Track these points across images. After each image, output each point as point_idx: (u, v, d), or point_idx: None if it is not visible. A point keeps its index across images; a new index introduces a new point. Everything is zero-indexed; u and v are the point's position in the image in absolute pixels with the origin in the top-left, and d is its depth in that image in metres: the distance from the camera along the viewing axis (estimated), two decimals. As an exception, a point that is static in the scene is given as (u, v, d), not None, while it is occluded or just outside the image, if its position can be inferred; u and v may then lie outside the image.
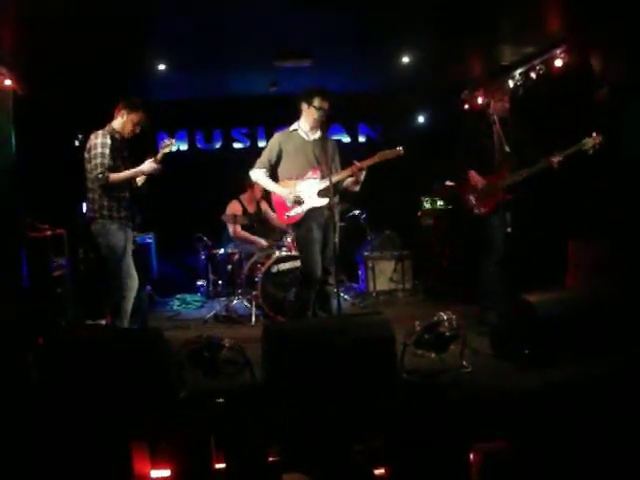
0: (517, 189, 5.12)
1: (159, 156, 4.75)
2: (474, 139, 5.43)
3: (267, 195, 6.41)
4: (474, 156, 5.34)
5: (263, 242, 7.17)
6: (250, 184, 7.09)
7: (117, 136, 4.78)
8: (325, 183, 4.70)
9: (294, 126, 4.98)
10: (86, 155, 4.72)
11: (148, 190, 5.04)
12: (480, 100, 5.34)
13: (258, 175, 5.01)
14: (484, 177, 5.25)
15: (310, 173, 4.86)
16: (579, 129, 5.17)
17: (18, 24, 5.12)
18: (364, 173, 4.79)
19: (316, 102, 4.80)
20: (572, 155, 4.95)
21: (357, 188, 4.95)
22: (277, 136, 5.04)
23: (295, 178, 4.89)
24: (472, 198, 5.34)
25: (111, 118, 4.83)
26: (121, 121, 4.80)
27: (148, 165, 4.71)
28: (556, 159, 4.92)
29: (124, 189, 4.77)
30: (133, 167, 4.77)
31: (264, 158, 5.00)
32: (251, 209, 7.45)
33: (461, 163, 5.48)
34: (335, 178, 4.78)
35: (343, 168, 4.95)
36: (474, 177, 5.30)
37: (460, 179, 5.51)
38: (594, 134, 4.89)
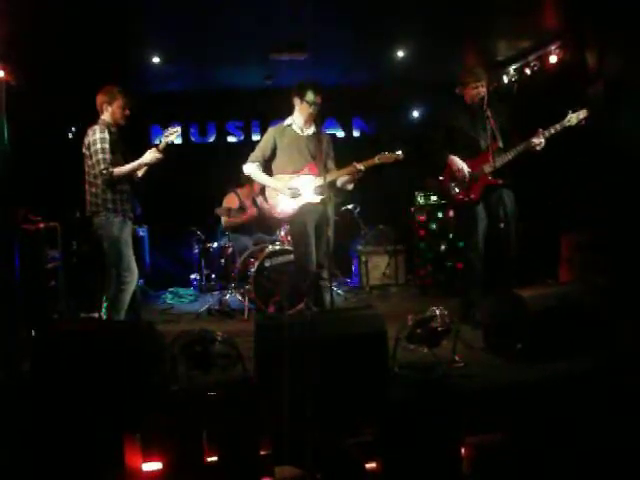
0: (504, 174, 4.94)
1: (162, 145, 4.74)
2: (455, 127, 5.19)
3: (262, 190, 6.41)
4: (456, 144, 5.16)
5: (252, 210, 7.21)
6: (250, 180, 7.09)
7: (113, 129, 4.77)
8: (320, 180, 4.68)
9: (288, 121, 4.97)
10: (86, 152, 4.71)
11: (145, 186, 5.03)
12: (474, 94, 5.32)
13: (251, 169, 5.00)
14: (467, 161, 5.05)
15: (306, 169, 4.86)
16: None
17: (10, 15, 5.09)
18: (362, 173, 4.76)
19: (308, 96, 4.77)
20: (558, 133, 4.80)
21: (351, 187, 4.95)
22: (271, 130, 5.02)
23: (290, 173, 4.88)
24: (454, 186, 5.14)
25: (98, 114, 4.82)
26: (108, 113, 4.79)
27: (150, 155, 4.69)
28: (537, 140, 4.75)
29: (125, 182, 4.77)
30: (133, 159, 4.76)
31: (258, 152, 4.99)
32: (247, 204, 7.44)
33: (442, 156, 5.19)
34: (331, 176, 4.77)
35: (339, 164, 4.94)
36: (455, 162, 5.06)
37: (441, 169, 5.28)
38: (578, 109, 4.74)
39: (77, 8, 5.09)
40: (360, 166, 4.70)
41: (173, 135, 4.82)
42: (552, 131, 4.81)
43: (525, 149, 4.83)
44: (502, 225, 4.92)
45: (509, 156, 4.89)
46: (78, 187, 4.86)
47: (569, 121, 4.76)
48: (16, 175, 5.87)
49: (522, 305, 4.01)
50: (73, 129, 7.43)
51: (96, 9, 5.15)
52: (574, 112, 4.76)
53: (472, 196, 5.06)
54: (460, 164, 5.06)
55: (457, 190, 5.15)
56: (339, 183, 4.92)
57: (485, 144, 5.01)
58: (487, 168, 4.97)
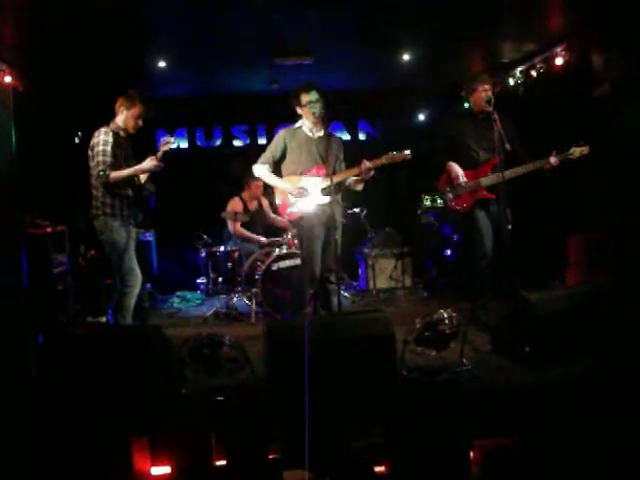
0: (499, 189, 4.90)
1: (159, 154, 4.74)
2: (455, 136, 5.22)
3: (268, 192, 6.41)
4: (455, 153, 5.15)
5: (262, 239, 7.17)
6: (248, 182, 7.12)
7: (122, 133, 4.77)
8: (328, 181, 4.67)
9: (299, 123, 4.97)
10: (89, 153, 4.71)
11: (155, 190, 5.03)
12: (480, 97, 5.32)
13: (261, 170, 5.00)
14: (465, 171, 5.06)
15: (314, 170, 4.86)
16: (576, 129, 5.10)
17: (18, 22, 5.12)
18: (372, 173, 4.74)
19: (303, 99, 4.80)
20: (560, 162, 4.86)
21: (360, 187, 4.94)
22: (282, 132, 5.01)
23: (299, 174, 4.88)
24: (449, 192, 5.18)
25: (114, 115, 4.82)
26: (122, 118, 4.78)
27: (148, 163, 4.69)
28: (553, 160, 4.81)
29: (127, 187, 4.76)
30: (136, 165, 4.76)
31: (268, 153, 4.99)
32: (252, 206, 7.44)
33: (441, 160, 5.23)
34: (339, 177, 4.77)
35: (346, 166, 4.94)
36: (454, 169, 5.07)
37: (439, 174, 5.31)
38: (582, 144, 4.81)
39: (84, 14, 5.11)
40: (370, 164, 4.69)
41: (168, 145, 4.82)
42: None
43: (520, 173, 4.89)
44: (498, 233, 4.98)
45: (506, 176, 4.82)
46: (85, 191, 4.86)
47: (572, 154, 4.83)
48: (23, 179, 5.91)
49: (530, 308, 3.99)
50: (80, 133, 7.47)
51: (103, 15, 5.17)
52: (577, 147, 4.83)
53: (464, 205, 5.12)
54: (458, 171, 5.08)
55: (450, 196, 5.20)
56: (348, 183, 4.91)
57: (484, 157, 5.03)
58: (484, 181, 5.00)
